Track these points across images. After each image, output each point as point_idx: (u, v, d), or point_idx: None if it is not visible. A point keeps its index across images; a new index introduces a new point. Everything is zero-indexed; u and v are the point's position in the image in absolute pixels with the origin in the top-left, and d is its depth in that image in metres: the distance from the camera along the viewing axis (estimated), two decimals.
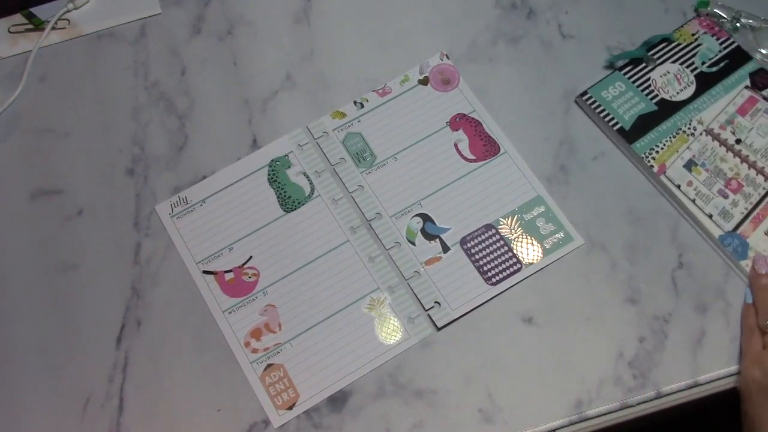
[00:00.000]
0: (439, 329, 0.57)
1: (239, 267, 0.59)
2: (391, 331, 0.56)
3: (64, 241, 0.60)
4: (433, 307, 0.57)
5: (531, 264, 0.58)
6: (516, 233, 0.59)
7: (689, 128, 0.62)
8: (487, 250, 0.59)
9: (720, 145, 0.61)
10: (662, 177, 0.60)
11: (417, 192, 0.61)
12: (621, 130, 0.62)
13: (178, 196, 0.62)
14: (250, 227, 0.61)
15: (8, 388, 0.56)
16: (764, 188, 0.60)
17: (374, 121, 0.64)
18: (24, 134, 0.65)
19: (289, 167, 0.63)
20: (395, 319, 0.57)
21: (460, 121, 0.64)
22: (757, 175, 0.60)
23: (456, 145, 0.63)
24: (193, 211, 0.61)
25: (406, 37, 0.68)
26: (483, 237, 0.59)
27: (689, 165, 0.61)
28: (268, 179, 0.62)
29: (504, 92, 0.65)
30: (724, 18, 0.66)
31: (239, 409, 0.54)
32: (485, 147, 0.63)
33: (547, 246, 0.59)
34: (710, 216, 0.59)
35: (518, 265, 0.58)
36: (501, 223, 0.60)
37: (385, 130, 0.64)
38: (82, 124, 0.65)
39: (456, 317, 0.57)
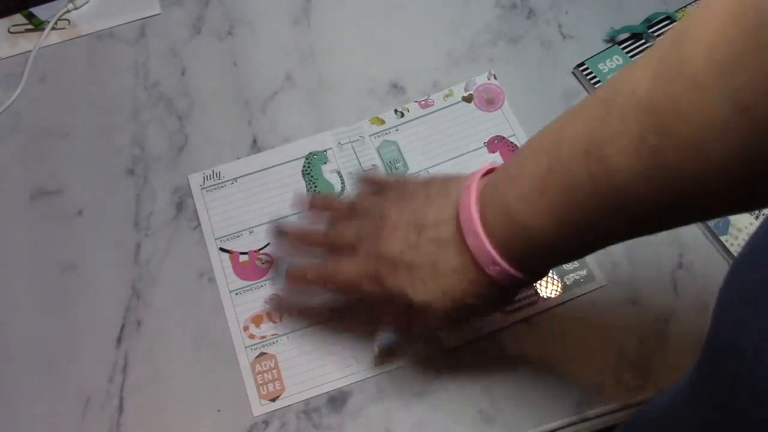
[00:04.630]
0: (445, 350, 0.56)
1: (255, 251, 0.59)
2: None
3: (64, 241, 0.60)
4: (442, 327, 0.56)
5: (548, 298, 0.57)
6: None
7: None
8: None
9: None
10: None
11: None
12: None
13: (212, 170, 0.62)
14: (274, 214, 0.61)
15: (8, 389, 0.56)
16: None
17: (412, 132, 0.64)
18: (24, 134, 0.65)
19: (324, 163, 0.63)
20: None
21: (498, 144, 0.63)
22: None
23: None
24: (223, 187, 0.62)
25: (406, 37, 0.68)
26: None
27: None
28: (302, 171, 0.62)
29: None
30: None
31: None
32: None
33: (568, 282, 0.57)
34: None
35: (534, 297, 0.57)
36: None
37: (422, 142, 0.63)
38: (82, 124, 0.65)
39: (464, 342, 0.56)
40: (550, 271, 0.56)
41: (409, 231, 0.46)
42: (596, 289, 0.57)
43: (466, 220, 0.42)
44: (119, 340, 0.57)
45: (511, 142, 0.63)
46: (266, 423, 0.54)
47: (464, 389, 0.55)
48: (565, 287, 0.57)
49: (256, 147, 0.64)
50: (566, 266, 0.58)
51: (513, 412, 0.54)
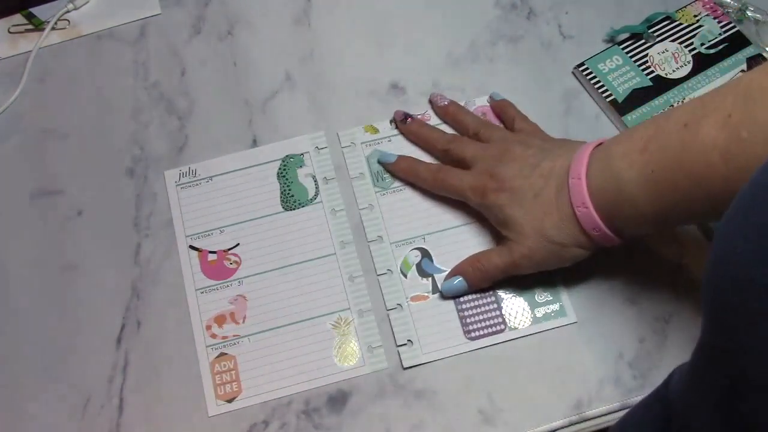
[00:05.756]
0: (404, 369, 0.55)
1: (224, 251, 0.59)
2: (347, 355, 0.56)
3: (64, 241, 0.60)
4: (405, 344, 0.56)
5: (515, 329, 0.56)
6: (510, 293, 0.57)
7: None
8: (476, 303, 0.57)
9: None
10: None
11: (424, 225, 0.60)
12: (614, 102, 0.63)
13: (189, 167, 0.62)
14: (246, 215, 0.61)
15: (8, 389, 0.56)
16: None
17: (405, 144, 0.63)
18: (24, 134, 0.65)
19: (300, 166, 0.62)
20: (355, 344, 0.56)
21: None
22: None
23: None
24: (198, 185, 0.62)
25: (406, 37, 0.68)
26: None
27: None
28: (278, 173, 0.62)
29: (504, 93, 0.65)
30: (731, 8, 0.66)
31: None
32: None
33: (538, 315, 0.56)
34: None
35: (502, 326, 0.56)
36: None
37: (414, 156, 0.62)
38: (82, 124, 0.65)
39: (423, 362, 0.55)
40: (523, 306, 0.57)
41: (525, 165, 0.54)
42: (566, 325, 0.56)
43: (575, 166, 0.51)
44: (119, 340, 0.57)
45: None
46: (266, 423, 0.54)
47: (464, 389, 0.55)
48: (534, 319, 0.56)
49: (255, 147, 0.64)
50: (538, 298, 0.57)
51: (513, 412, 0.54)
